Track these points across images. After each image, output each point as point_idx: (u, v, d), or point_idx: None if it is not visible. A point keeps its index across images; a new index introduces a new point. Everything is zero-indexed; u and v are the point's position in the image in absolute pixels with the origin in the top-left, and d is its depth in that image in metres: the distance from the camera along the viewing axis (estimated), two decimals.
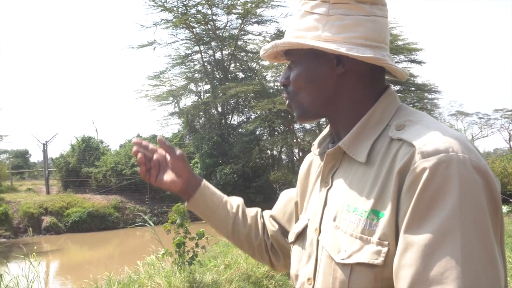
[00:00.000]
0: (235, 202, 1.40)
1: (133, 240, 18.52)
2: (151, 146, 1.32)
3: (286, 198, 1.38)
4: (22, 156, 44.54)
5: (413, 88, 25.84)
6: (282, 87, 1.12)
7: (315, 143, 1.15)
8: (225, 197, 1.39)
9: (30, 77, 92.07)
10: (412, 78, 25.22)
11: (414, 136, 0.89)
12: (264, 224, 1.39)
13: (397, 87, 24.94)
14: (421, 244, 0.80)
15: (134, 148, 1.29)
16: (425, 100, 27.00)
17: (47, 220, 20.59)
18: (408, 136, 0.90)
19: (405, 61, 25.25)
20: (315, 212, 1.06)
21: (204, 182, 1.36)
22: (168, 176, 1.31)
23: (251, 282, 5.75)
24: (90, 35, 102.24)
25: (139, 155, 1.28)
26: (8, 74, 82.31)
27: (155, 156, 1.32)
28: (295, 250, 1.12)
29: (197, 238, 5.74)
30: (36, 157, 47.82)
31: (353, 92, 1.03)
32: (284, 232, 1.31)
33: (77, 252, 17.73)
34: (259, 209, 1.44)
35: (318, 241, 1.01)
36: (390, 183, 0.88)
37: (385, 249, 0.86)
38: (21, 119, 73.18)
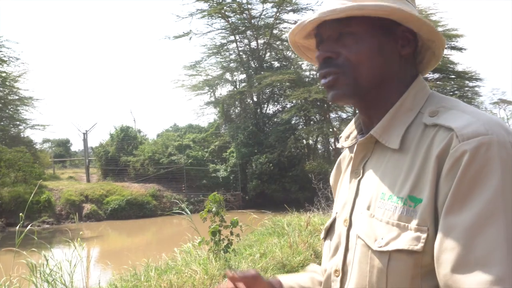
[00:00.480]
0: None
1: (170, 228, 18.81)
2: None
3: None
4: (63, 145, 45.64)
5: (453, 76, 25.10)
6: (322, 61, 1.02)
7: (342, 135, 1.13)
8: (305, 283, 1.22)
9: (71, 68, 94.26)
10: (452, 66, 24.51)
11: (451, 121, 0.88)
12: None
13: (436, 75, 24.32)
14: (463, 227, 0.79)
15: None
16: (466, 88, 26.20)
17: (87, 207, 21.14)
18: (445, 121, 0.89)
19: (445, 47, 24.57)
20: (345, 203, 1.05)
21: (282, 283, 1.18)
22: None
23: (286, 271, 5.76)
24: (128, 27, 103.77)
25: None
26: (50, 65, 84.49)
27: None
28: (325, 246, 1.11)
29: (231, 226, 5.79)
30: (77, 146, 49.21)
31: (401, 76, 1.01)
32: None
33: (116, 239, 18.15)
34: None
35: (347, 232, 1.01)
36: (428, 168, 0.87)
37: (424, 235, 0.85)
38: (62, 109, 75.22)
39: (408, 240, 0.87)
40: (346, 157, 1.16)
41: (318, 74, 1.04)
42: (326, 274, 1.06)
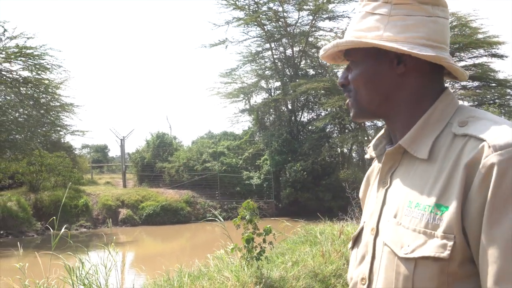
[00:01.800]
0: None
1: (203, 234, 18.94)
2: None
3: None
4: (101, 150, 46.58)
5: (493, 84, 24.43)
6: (341, 88, 1.14)
7: (371, 145, 1.16)
8: None
9: (111, 75, 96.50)
10: (492, 74, 23.88)
11: (481, 131, 0.89)
12: None
13: (476, 83, 23.75)
14: (503, 239, 0.80)
15: None
16: (507, 97, 25.47)
17: (123, 212, 21.52)
18: (475, 131, 0.90)
19: (485, 55, 23.88)
20: (372, 213, 1.07)
21: None
22: None
23: (318, 280, 5.72)
24: (166, 35, 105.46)
25: None
26: (90, 72, 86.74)
27: None
28: (352, 254, 1.13)
29: (264, 234, 5.79)
30: (114, 152, 49.99)
31: (413, 92, 1.04)
32: None
33: (150, 244, 18.40)
34: None
35: (374, 240, 1.02)
36: (456, 177, 0.88)
37: (451, 243, 0.86)
38: (101, 115, 76.77)
39: (435, 247, 0.88)
40: (374, 169, 1.19)
41: None
42: (352, 282, 1.08)
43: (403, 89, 1.04)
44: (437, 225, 0.89)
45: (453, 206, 0.87)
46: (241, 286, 4.64)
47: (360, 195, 1.24)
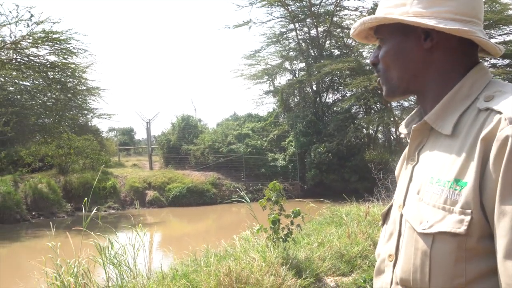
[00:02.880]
0: None
1: (229, 216, 19.10)
2: None
3: None
4: (128, 133, 47.08)
5: None
6: (372, 67, 1.13)
7: (403, 123, 1.15)
8: None
9: (135, 59, 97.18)
10: None
11: (502, 104, 0.89)
12: None
13: (506, 61, 23.08)
14: None
15: None
16: None
17: (150, 194, 21.83)
18: (496, 105, 0.90)
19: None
20: (400, 190, 1.07)
21: None
22: None
23: (344, 261, 5.73)
24: (189, 17, 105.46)
25: None
26: (116, 56, 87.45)
27: None
28: (382, 232, 1.14)
29: (292, 216, 5.80)
30: (140, 134, 50.57)
31: (441, 67, 1.03)
32: None
33: (177, 225, 18.66)
34: None
35: (400, 217, 1.03)
36: (475, 152, 0.88)
37: (468, 218, 0.86)
38: (127, 99, 77.63)
39: (452, 222, 0.88)
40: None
41: None
42: (380, 258, 1.08)
43: (431, 65, 1.04)
44: (455, 200, 0.89)
45: (470, 182, 0.87)
46: (267, 267, 4.66)
47: (396, 173, 1.22)
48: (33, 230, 15.74)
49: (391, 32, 1.05)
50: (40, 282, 4.63)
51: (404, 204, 1.03)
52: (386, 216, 1.13)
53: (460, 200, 0.88)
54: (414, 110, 1.15)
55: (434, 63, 1.03)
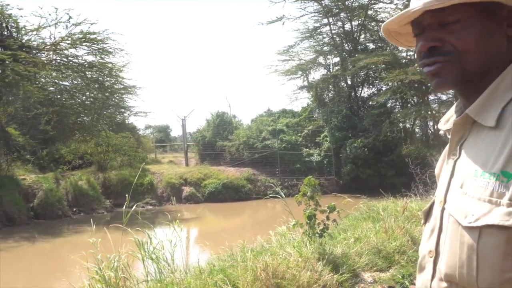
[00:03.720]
0: None
1: (264, 211, 19.14)
2: None
3: None
4: (164, 130, 47.71)
5: None
6: (419, 55, 1.05)
7: (442, 120, 1.12)
8: None
9: (170, 57, 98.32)
10: None
11: None
12: None
13: None
14: None
15: None
16: None
17: (186, 190, 22.09)
18: None
19: None
20: (441, 185, 1.04)
21: None
22: None
23: (381, 257, 5.66)
24: (222, 14, 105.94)
25: None
26: (151, 55, 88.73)
27: None
28: (424, 230, 1.11)
29: (328, 211, 5.76)
30: (176, 131, 51.17)
31: (506, 57, 0.99)
32: None
33: (213, 221, 18.83)
34: None
35: (441, 212, 1.00)
36: None
37: None
38: (162, 96, 78.67)
39: (500, 215, 0.85)
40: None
41: (419, 61, 1.05)
42: (421, 256, 1.06)
43: (507, 54, 0.99)
44: (502, 193, 0.86)
45: None
46: (303, 262, 4.66)
47: (436, 171, 1.19)
48: (74, 226, 16.17)
49: (472, 13, 0.97)
50: (82, 276, 4.75)
51: (445, 200, 1.00)
52: (428, 214, 1.10)
53: (508, 192, 0.85)
54: (453, 106, 1.11)
55: (508, 53, 0.99)
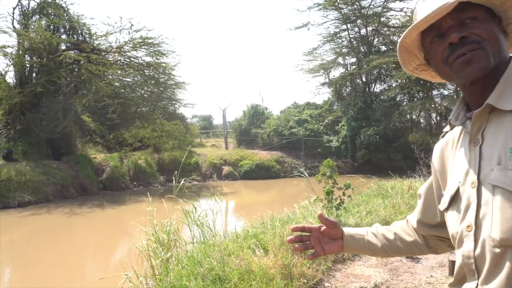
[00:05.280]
0: (377, 236, 1.32)
1: (290, 188, 19.13)
2: (306, 226, 1.32)
3: (423, 200, 1.25)
4: (207, 119, 47.89)
5: None
6: (444, 51, 1.01)
7: (451, 118, 1.08)
8: (365, 235, 1.32)
9: (213, 56, 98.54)
10: None
11: None
12: (419, 234, 1.29)
13: None
14: None
15: (289, 237, 1.30)
16: None
17: (226, 169, 22.25)
18: None
19: None
20: (467, 170, 1.00)
21: (344, 233, 1.31)
22: (330, 243, 1.31)
23: None
24: (257, 21, 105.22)
25: (290, 238, 1.30)
26: (197, 54, 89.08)
27: (313, 235, 1.31)
28: (450, 215, 1.05)
29: (344, 188, 5.73)
30: (217, 120, 51.15)
31: (505, 52, 1.00)
32: (434, 227, 1.22)
33: (248, 195, 18.93)
34: (408, 224, 1.31)
35: (477, 191, 0.95)
36: None
37: None
38: (206, 90, 78.98)
39: None
40: (449, 141, 1.12)
41: (449, 55, 1.00)
42: (458, 235, 1.00)
43: (506, 50, 1.01)
44: None
45: None
46: None
47: (437, 167, 1.15)
48: (135, 197, 16.55)
49: (484, 13, 0.98)
50: (141, 237, 4.86)
51: (478, 180, 0.95)
52: (453, 200, 1.04)
53: None
54: (457, 105, 1.08)
55: (508, 49, 1.02)
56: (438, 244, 1.25)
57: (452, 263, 4.14)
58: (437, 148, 1.17)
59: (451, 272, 4.08)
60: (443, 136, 1.15)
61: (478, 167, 0.97)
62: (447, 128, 1.13)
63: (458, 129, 1.09)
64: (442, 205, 1.08)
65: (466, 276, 0.98)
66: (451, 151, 1.11)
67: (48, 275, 7.28)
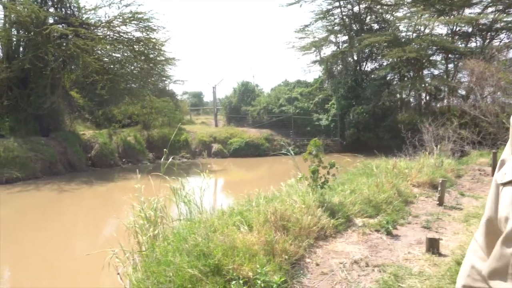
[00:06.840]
0: None
1: (279, 166, 19.30)
2: None
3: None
4: (197, 96, 47.65)
5: None
6: None
7: None
8: None
9: (204, 33, 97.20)
10: None
11: None
12: None
13: None
14: None
15: None
16: None
17: (215, 146, 22.34)
18: None
19: None
20: None
21: None
22: None
23: (371, 206, 5.74)
24: None
25: None
26: (187, 30, 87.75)
27: None
28: (506, 191, 0.85)
29: (328, 167, 5.83)
30: (208, 97, 50.96)
31: None
32: None
33: (236, 172, 19.08)
34: None
35: None
36: None
37: None
38: (197, 67, 78.23)
39: None
40: None
41: None
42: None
43: None
44: None
45: None
46: (306, 208, 4.77)
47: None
48: (123, 174, 16.61)
49: None
50: (129, 214, 4.94)
51: None
52: None
53: None
54: None
55: None
56: None
57: (429, 240, 4.32)
58: None
59: (428, 249, 4.26)
60: None
61: None
62: None
63: None
64: (500, 178, 0.90)
65: None
66: None
67: (37, 251, 7.39)
